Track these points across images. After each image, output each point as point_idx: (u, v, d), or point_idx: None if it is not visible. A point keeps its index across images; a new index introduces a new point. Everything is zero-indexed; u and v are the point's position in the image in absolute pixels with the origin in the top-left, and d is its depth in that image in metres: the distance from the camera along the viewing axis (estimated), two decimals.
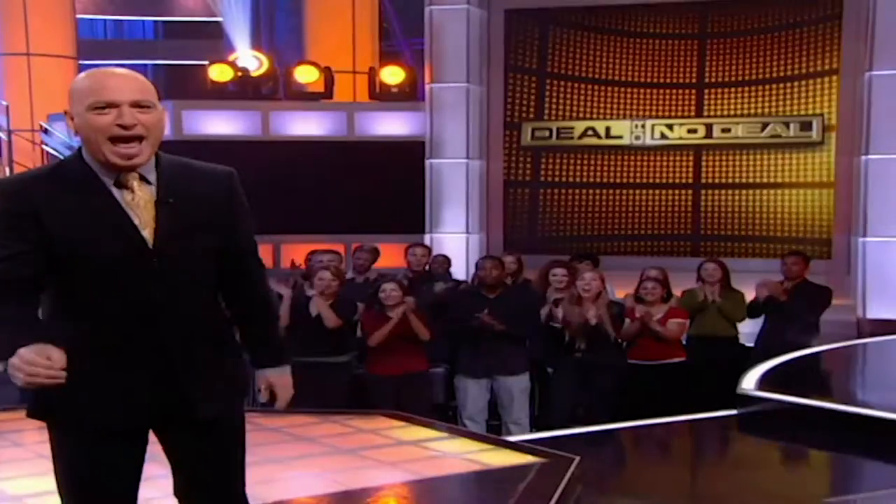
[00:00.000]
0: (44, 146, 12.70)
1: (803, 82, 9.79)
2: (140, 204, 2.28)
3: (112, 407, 2.29)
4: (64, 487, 2.37)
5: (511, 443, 4.99)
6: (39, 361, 2.06)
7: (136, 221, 2.27)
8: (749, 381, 5.79)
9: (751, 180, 9.99)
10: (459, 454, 4.73)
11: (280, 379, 2.56)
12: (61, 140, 12.27)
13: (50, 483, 4.11)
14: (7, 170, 11.54)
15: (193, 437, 2.40)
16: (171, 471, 2.48)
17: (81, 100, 2.24)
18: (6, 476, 4.33)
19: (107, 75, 2.27)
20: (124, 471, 2.37)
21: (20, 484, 4.20)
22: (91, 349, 2.26)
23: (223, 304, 2.49)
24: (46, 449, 4.42)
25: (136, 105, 2.24)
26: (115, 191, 2.27)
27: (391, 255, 8.29)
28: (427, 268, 7.84)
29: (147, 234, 2.28)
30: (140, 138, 2.25)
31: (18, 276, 2.20)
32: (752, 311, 7.12)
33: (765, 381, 5.82)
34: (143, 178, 2.30)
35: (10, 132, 12.82)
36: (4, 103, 13.17)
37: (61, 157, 9.70)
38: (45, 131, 12.62)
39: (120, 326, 2.27)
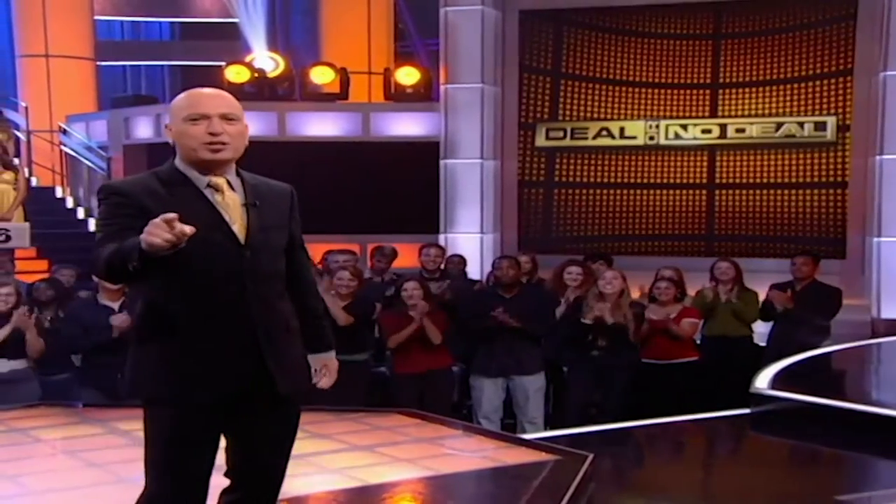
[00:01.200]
0: (62, 146, 12.82)
1: (818, 82, 9.78)
2: (230, 204, 2.66)
3: (203, 384, 2.59)
4: (154, 460, 2.63)
5: (525, 440, 5.04)
6: (161, 223, 2.28)
7: (227, 219, 2.64)
8: (762, 380, 5.82)
9: (765, 180, 10.00)
10: (475, 451, 4.78)
11: (331, 362, 2.98)
12: (79, 140, 12.39)
13: (71, 479, 4.22)
14: (26, 170, 11.64)
15: (264, 413, 2.69)
16: (228, 450, 2.74)
17: (179, 113, 2.66)
18: (29, 471, 4.41)
19: (200, 93, 2.70)
20: (209, 443, 2.66)
21: (42, 479, 4.29)
22: (185, 333, 2.60)
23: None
24: (68, 444, 4.54)
25: (224, 117, 2.65)
26: (206, 193, 2.65)
27: (406, 255, 8.34)
28: (442, 267, 7.89)
29: (237, 229, 2.65)
30: (225, 143, 2.65)
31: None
32: (766, 315, 7.13)
33: (778, 380, 5.85)
34: (230, 185, 2.69)
35: (29, 132, 12.96)
36: (23, 104, 13.32)
37: (76, 157, 9.71)
38: (64, 132, 12.73)
39: (213, 311, 2.61)
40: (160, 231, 2.27)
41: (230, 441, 2.72)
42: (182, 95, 2.71)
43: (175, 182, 2.63)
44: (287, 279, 2.80)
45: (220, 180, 2.66)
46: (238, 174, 2.73)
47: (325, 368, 2.95)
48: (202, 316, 2.60)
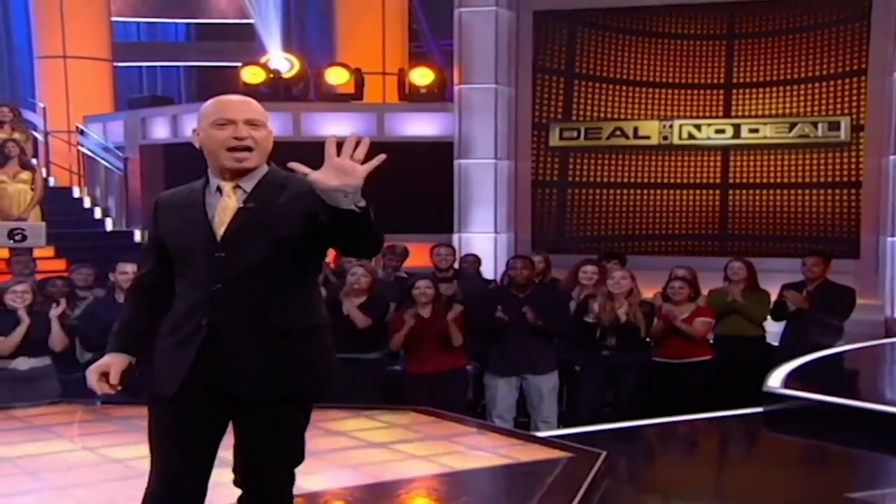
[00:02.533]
0: (79, 147, 12.90)
1: (831, 82, 9.78)
2: (225, 208, 2.69)
3: (164, 379, 2.68)
4: (151, 449, 2.73)
5: (539, 438, 5.09)
6: (94, 374, 2.76)
7: (216, 222, 2.68)
8: (775, 379, 5.84)
9: (779, 180, 9.99)
10: (488, 449, 4.83)
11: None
12: (96, 141, 12.47)
13: (91, 474, 4.28)
14: (44, 170, 11.74)
15: (253, 417, 2.67)
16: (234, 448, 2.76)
17: (206, 118, 2.72)
18: (49, 467, 4.47)
19: (228, 99, 2.76)
20: (193, 440, 2.67)
21: (63, 475, 4.35)
22: (165, 330, 2.73)
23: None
24: (88, 441, 4.60)
25: (249, 123, 2.69)
26: (208, 195, 2.73)
27: (420, 254, 8.38)
28: (456, 266, 7.93)
29: (221, 231, 2.67)
30: (250, 149, 2.69)
31: (148, 285, 2.83)
32: (777, 314, 7.14)
33: (791, 379, 5.87)
34: (240, 188, 2.71)
35: (46, 133, 13.04)
36: (41, 105, 13.41)
37: (93, 157, 9.77)
38: (81, 132, 12.82)
39: (188, 309, 2.68)
40: (89, 380, 2.75)
41: (234, 440, 2.75)
42: (210, 101, 2.77)
43: (200, 188, 2.75)
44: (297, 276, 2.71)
45: (227, 185, 2.71)
46: (265, 175, 2.72)
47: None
48: (179, 315, 2.70)
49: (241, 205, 2.68)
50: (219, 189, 2.72)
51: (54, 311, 6.02)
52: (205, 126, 2.72)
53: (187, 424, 2.67)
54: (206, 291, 2.64)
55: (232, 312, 2.63)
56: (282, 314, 2.67)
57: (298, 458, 2.77)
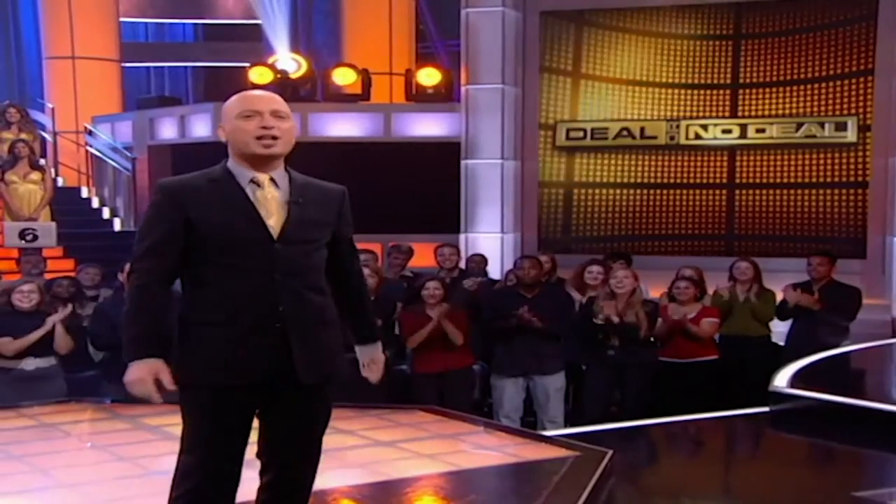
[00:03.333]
0: (88, 147, 12.95)
1: (838, 82, 9.77)
2: (269, 199, 2.80)
3: (232, 369, 2.73)
4: (192, 437, 2.77)
5: (546, 437, 5.10)
6: (148, 384, 2.71)
7: (263, 213, 2.78)
8: (781, 379, 5.86)
9: (785, 180, 9.99)
10: (495, 447, 4.85)
11: (378, 355, 3.17)
12: (105, 141, 12.52)
13: (101, 472, 4.31)
14: (53, 170, 11.79)
15: (294, 399, 2.81)
16: (260, 432, 2.86)
17: (232, 111, 2.83)
18: (60, 464, 4.51)
19: (252, 93, 2.90)
20: (239, 424, 2.78)
21: (73, 472, 4.38)
22: (218, 318, 2.75)
23: (331, 288, 2.95)
24: (97, 439, 4.62)
25: (275, 114, 2.82)
26: (247, 189, 2.79)
27: (427, 254, 8.40)
28: (461, 266, 7.95)
29: (272, 223, 2.78)
30: (276, 137, 2.81)
31: (160, 267, 2.77)
32: (781, 313, 7.15)
33: (797, 379, 5.88)
34: (273, 182, 2.82)
35: (55, 133, 13.10)
36: (50, 105, 13.47)
37: (101, 157, 9.80)
38: (90, 133, 12.87)
39: (245, 300, 2.74)
40: (143, 390, 2.70)
41: (262, 424, 2.84)
42: (234, 97, 2.88)
43: (220, 179, 2.80)
44: (334, 275, 2.95)
45: (262, 176, 2.80)
46: (288, 173, 2.87)
47: (371, 362, 3.13)
48: (235, 305, 2.74)
49: (290, 199, 2.81)
50: (253, 180, 2.80)
51: (56, 317, 5.99)
52: (230, 119, 2.82)
53: (246, 409, 2.78)
54: (265, 280, 2.74)
55: (295, 301, 2.77)
56: (324, 303, 2.88)
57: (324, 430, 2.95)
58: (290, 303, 2.77)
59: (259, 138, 2.78)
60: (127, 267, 6.36)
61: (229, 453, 2.76)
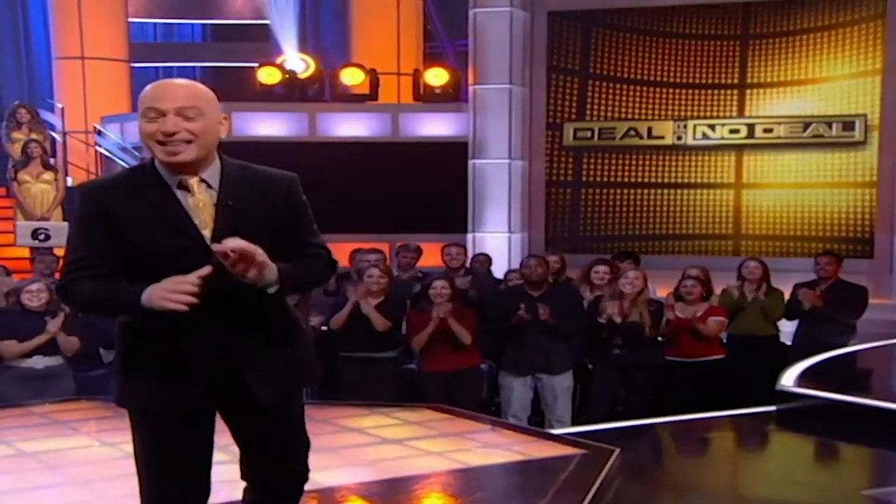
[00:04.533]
0: (97, 147, 12.99)
1: (846, 82, 9.78)
2: (200, 206, 2.45)
3: (171, 393, 2.47)
4: (140, 468, 2.57)
5: (553, 435, 5.12)
6: (174, 289, 2.29)
7: (197, 222, 2.45)
8: (788, 378, 5.86)
9: (793, 180, 10.01)
10: (503, 445, 4.87)
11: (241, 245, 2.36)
12: (114, 141, 12.57)
13: (111, 468, 4.34)
14: (64, 171, 11.83)
15: (255, 421, 2.58)
16: (240, 455, 2.68)
17: (140, 108, 2.45)
18: (70, 461, 4.54)
19: (161, 85, 2.46)
20: (191, 451, 2.55)
21: (84, 469, 4.41)
22: (154, 340, 2.46)
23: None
24: (106, 436, 4.65)
25: (181, 112, 2.39)
26: (178, 193, 2.45)
27: (435, 254, 8.43)
28: (468, 266, 7.97)
29: (207, 233, 2.44)
30: (185, 142, 2.41)
31: (95, 275, 2.44)
32: (790, 313, 7.16)
33: (804, 378, 5.89)
34: (204, 182, 2.48)
35: (64, 134, 13.14)
36: (59, 105, 13.51)
37: (111, 157, 9.81)
38: (99, 133, 12.92)
39: (180, 318, 2.35)
40: (176, 297, 2.27)
41: (238, 446, 2.66)
42: (147, 87, 2.47)
43: (147, 182, 2.45)
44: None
45: (192, 180, 2.45)
46: (222, 167, 2.51)
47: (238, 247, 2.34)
48: (171, 324, 2.39)
49: (218, 202, 2.46)
50: (182, 184, 2.45)
51: (53, 324, 5.97)
52: (139, 118, 2.44)
53: (197, 434, 2.54)
54: (202, 299, 2.33)
55: (238, 319, 2.48)
56: (278, 316, 2.58)
57: (307, 441, 2.74)
58: (234, 322, 2.47)
59: (162, 144, 2.39)
60: None
61: (185, 478, 2.54)
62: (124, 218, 2.39)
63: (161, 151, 2.40)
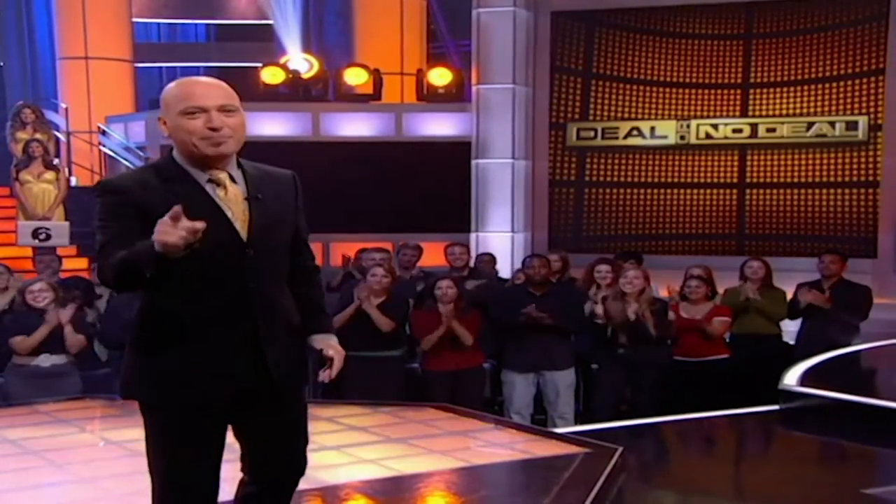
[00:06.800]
0: (101, 147, 13.02)
1: (849, 82, 9.78)
2: (232, 200, 2.54)
3: (203, 385, 2.51)
4: (156, 463, 2.58)
5: (556, 433, 5.14)
6: (169, 221, 2.22)
7: (230, 215, 2.52)
8: (792, 378, 5.87)
9: (796, 180, 10.01)
10: (506, 444, 4.89)
11: (336, 343, 2.77)
12: (118, 141, 12.59)
13: (116, 466, 4.36)
14: (66, 170, 11.86)
15: (267, 410, 2.63)
16: (241, 446, 2.70)
17: (174, 106, 2.50)
18: (76, 460, 4.56)
19: (194, 83, 2.54)
20: (212, 443, 2.59)
21: (89, 467, 4.43)
22: (185, 332, 2.50)
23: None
24: (111, 435, 4.65)
25: (222, 109, 2.50)
26: (208, 187, 2.52)
27: (438, 253, 8.44)
28: (472, 265, 7.98)
29: (239, 226, 2.53)
30: (227, 136, 2.52)
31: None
32: (792, 313, 7.16)
33: (807, 377, 5.90)
34: (232, 179, 2.56)
35: (68, 133, 13.16)
36: (63, 105, 13.53)
37: (115, 157, 9.79)
38: (103, 133, 12.94)
39: (215, 311, 2.50)
40: (172, 229, 2.21)
41: (239, 438, 2.68)
42: (174, 85, 2.55)
43: (174, 177, 2.50)
44: (292, 271, 2.71)
45: (222, 175, 2.53)
46: (239, 165, 2.60)
47: (330, 348, 2.73)
48: (203, 315, 2.49)
49: (248, 196, 2.55)
50: (212, 180, 2.52)
51: (57, 313, 5.99)
52: (172, 115, 2.50)
53: (219, 428, 2.60)
54: (237, 290, 2.50)
55: (268, 310, 2.56)
56: (292, 309, 2.69)
57: (307, 435, 2.78)
58: (264, 311, 2.55)
59: (206, 138, 2.48)
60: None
61: (204, 476, 2.57)
62: (156, 210, 2.31)
63: (206, 145, 2.48)
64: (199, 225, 2.24)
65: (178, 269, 2.33)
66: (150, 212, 2.34)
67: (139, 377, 2.56)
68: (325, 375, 2.74)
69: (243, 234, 2.52)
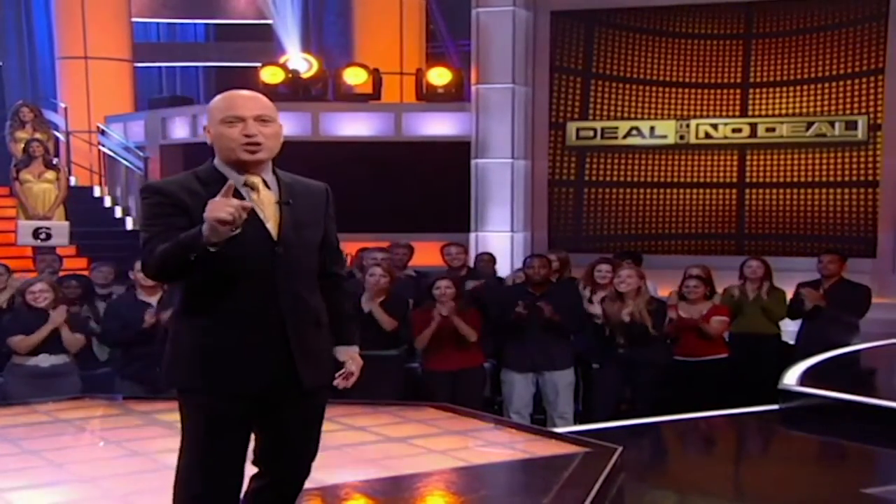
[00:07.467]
0: (100, 147, 13.03)
1: (849, 82, 9.78)
2: (264, 202, 2.75)
3: (234, 375, 2.70)
4: (193, 446, 2.74)
5: (556, 433, 5.14)
6: (219, 199, 2.50)
7: (262, 216, 2.73)
8: (791, 377, 5.88)
9: (795, 179, 10.01)
10: (506, 444, 4.89)
11: (356, 355, 3.04)
12: (117, 141, 12.60)
13: (116, 466, 4.36)
14: (66, 170, 11.86)
15: (291, 404, 2.79)
16: (256, 438, 2.84)
17: (216, 115, 2.76)
18: (76, 459, 4.56)
19: (236, 96, 2.80)
20: (240, 432, 2.77)
21: (89, 467, 4.43)
22: (221, 325, 2.71)
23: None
24: (111, 434, 4.66)
25: (259, 119, 2.74)
26: (243, 191, 2.71)
27: (437, 253, 8.44)
28: (471, 265, 7.98)
29: (271, 227, 2.74)
30: (260, 144, 2.74)
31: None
32: (794, 313, 7.17)
33: (807, 377, 5.90)
34: (265, 184, 2.77)
35: (68, 133, 13.17)
36: (63, 105, 13.54)
37: (114, 157, 9.76)
38: (102, 132, 12.95)
39: (245, 306, 2.70)
40: (223, 206, 2.45)
41: (258, 430, 2.83)
42: (219, 97, 2.81)
43: (213, 181, 2.69)
44: (318, 275, 2.89)
45: (255, 179, 2.74)
46: (274, 172, 2.82)
47: (350, 361, 2.99)
48: (235, 310, 2.70)
49: (279, 200, 2.77)
50: (247, 184, 2.73)
51: (58, 317, 5.99)
52: (215, 123, 2.76)
53: (248, 418, 2.76)
54: (267, 285, 2.71)
55: (295, 305, 2.75)
56: (320, 307, 2.87)
57: (320, 436, 2.94)
58: (291, 307, 2.74)
59: (243, 145, 2.72)
60: (139, 265, 6.44)
61: (231, 463, 2.74)
62: (196, 211, 2.58)
63: (242, 150, 2.72)
64: (248, 204, 2.53)
65: (213, 265, 2.56)
66: (190, 212, 2.63)
67: (179, 364, 2.75)
68: (338, 382, 2.97)
69: (274, 234, 2.74)
